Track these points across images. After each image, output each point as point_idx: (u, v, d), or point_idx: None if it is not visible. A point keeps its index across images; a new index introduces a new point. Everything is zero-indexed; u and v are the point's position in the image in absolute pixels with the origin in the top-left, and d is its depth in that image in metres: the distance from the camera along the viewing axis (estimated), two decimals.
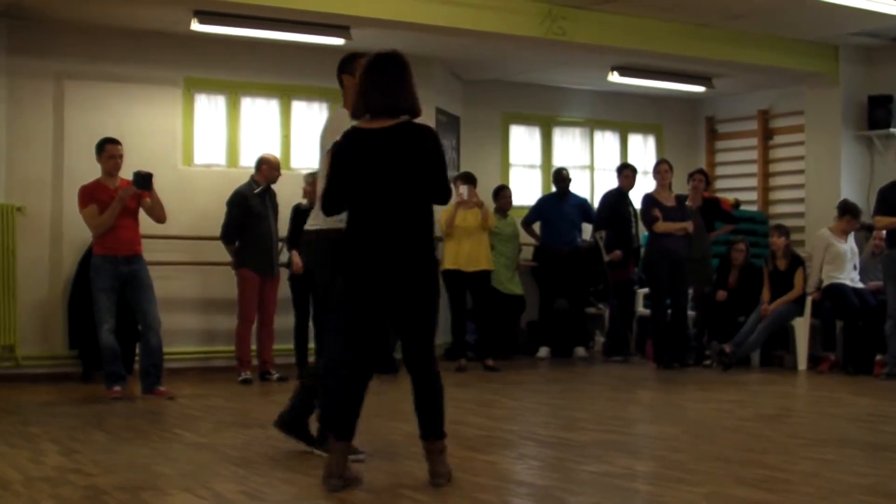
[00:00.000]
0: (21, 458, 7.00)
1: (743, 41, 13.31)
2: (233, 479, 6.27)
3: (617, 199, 14.04)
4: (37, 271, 11.66)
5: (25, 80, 11.69)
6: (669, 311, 13.04)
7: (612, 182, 14.86)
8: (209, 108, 12.66)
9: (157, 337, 10.17)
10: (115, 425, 8.39)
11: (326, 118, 7.05)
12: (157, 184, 10.19)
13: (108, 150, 10.31)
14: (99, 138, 10.50)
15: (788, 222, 14.19)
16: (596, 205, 14.76)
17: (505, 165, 15.37)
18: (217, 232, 11.39)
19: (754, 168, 16.14)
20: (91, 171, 10.53)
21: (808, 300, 12.94)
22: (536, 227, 14.53)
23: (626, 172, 14.15)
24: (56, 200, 11.72)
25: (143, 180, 10.01)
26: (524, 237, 14.37)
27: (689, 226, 12.93)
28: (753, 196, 16.03)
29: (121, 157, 10.34)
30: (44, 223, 11.72)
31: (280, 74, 12.94)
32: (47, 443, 7.59)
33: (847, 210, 12.94)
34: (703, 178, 13.90)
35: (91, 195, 10.20)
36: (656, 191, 13.17)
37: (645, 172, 14.99)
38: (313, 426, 6.97)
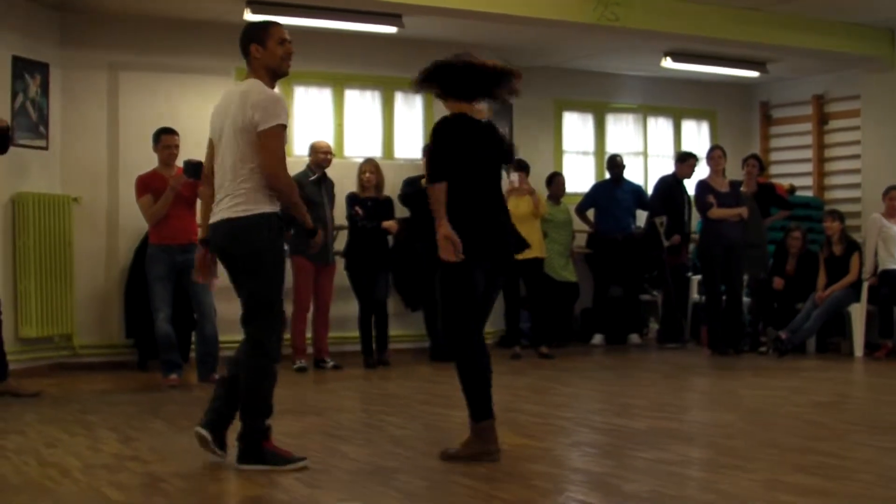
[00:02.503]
0: (80, 445, 7.07)
1: (797, 25, 13.21)
2: None
3: (672, 185, 13.97)
4: (93, 261, 11.77)
5: (79, 72, 11.79)
6: (724, 297, 12.97)
7: (667, 168, 14.85)
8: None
9: (212, 325, 10.24)
10: (172, 413, 8.45)
11: (270, 98, 6.32)
12: None
13: (164, 140, 10.42)
14: (153, 129, 10.60)
15: (844, 208, 14.09)
16: (650, 191, 14.71)
17: (558, 152, 15.33)
18: None
19: (809, 153, 16.00)
20: (146, 161, 10.62)
21: (865, 286, 12.84)
22: (590, 214, 14.49)
23: (691, 161, 14.01)
24: (112, 191, 11.83)
25: (194, 169, 10.05)
26: (578, 224, 14.33)
27: (743, 211, 12.85)
28: (809, 181, 15.91)
29: (176, 147, 10.43)
30: (100, 213, 11.82)
31: (333, 63, 12.97)
32: (105, 430, 7.66)
33: (890, 188, 12.92)
34: (757, 163, 13.80)
35: (146, 185, 10.30)
36: (710, 177, 13.10)
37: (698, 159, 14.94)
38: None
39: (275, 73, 6.46)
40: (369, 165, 11.93)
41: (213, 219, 6.29)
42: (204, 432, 6.32)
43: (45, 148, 11.45)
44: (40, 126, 11.36)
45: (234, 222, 6.13)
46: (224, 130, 6.31)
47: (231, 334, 11.64)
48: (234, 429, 6.30)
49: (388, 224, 11.82)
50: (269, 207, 6.17)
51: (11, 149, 9.54)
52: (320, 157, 11.53)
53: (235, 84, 6.59)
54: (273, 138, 6.13)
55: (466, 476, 5.92)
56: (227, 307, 11.21)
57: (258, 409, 6.16)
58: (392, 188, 12.26)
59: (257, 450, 6.12)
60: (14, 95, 10.98)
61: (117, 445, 7.05)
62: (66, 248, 11.45)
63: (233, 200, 6.15)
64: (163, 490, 5.66)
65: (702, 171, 13.93)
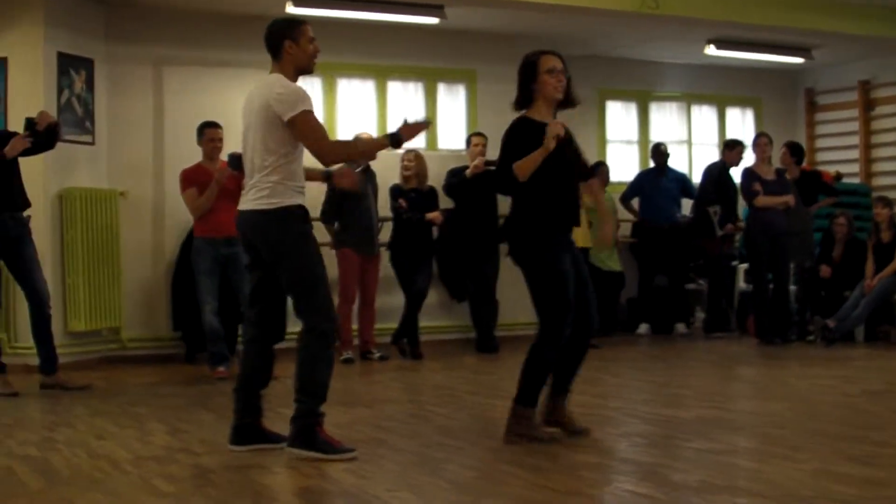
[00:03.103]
0: (129, 437, 7.12)
1: (841, 10, 13.12)
2: None
3: (721, 172, 13.86)
4: (140, 255, 11.84)
5: (125, 66, 11.86)
6: (771, 286, 12.90)
7: (712, 156, 14.78)
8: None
9: None
10: (220, 405, 8.46)
11: (292, 89, 6.38)
12: None
13: (208, 133, 10.48)
14: (197, 123, 10.65)
15: (892, 194, 13.99)
16: (695, 179, 14.65)
17: (602, 142, 15.26)
18: (317, 212, 11.43)
19: (855, 140, 15.89)
20: (190, 154, 10.68)
21: None
22: (635, 202, 14.45)
23: (739, 149, 13.87)
24: (157, 184, 11.89)
25: (238, 161, 10.09)
26: (623, 213, 14.28)
27: (790, 199, 12.76)
28: (855, 168, 15.79)
29: (220, 140, 10.48)
30: (146, 207, 11.89)
31: (375, 55, 12.98)
32: (154, 422, 7.71)
33: None
34: (787, 150, 13.59)
35: (191, 178, 10.37)
36: (756, 164, 13.02)
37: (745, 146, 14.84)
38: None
39: (302, 70, 6.59)
40: (410, 155, 11.93)
41: (241, 206, 6.52)
42: (235, 448, 6.53)
43: (92, 143, 11.52)
44: (86, 121, 11.44)
45: (260, 215, 6.36)
46: (250, 126, 6.47)
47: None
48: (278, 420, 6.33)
49: (433, 215, 11.83)
50: (293, 200, 6.35)
51: (58, 144, 9.59)
52: None
53: (259, 80, 6.63)
54: (303, 123, 6.29)
55: (515, 466, 5.93)
56: None
57: (313, 392, 6.30)
58: (436, 179, 12.26)
59: (309, 435, 6.24)
60: (60, 91, 11.06)
61: (166, 437, 7.10)
62: (113, 242, 11.53)
63: (259, 193, 6.37)
64: (212, 481, 5.70)
65: (747, 158, 13.84)
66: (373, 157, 6.64)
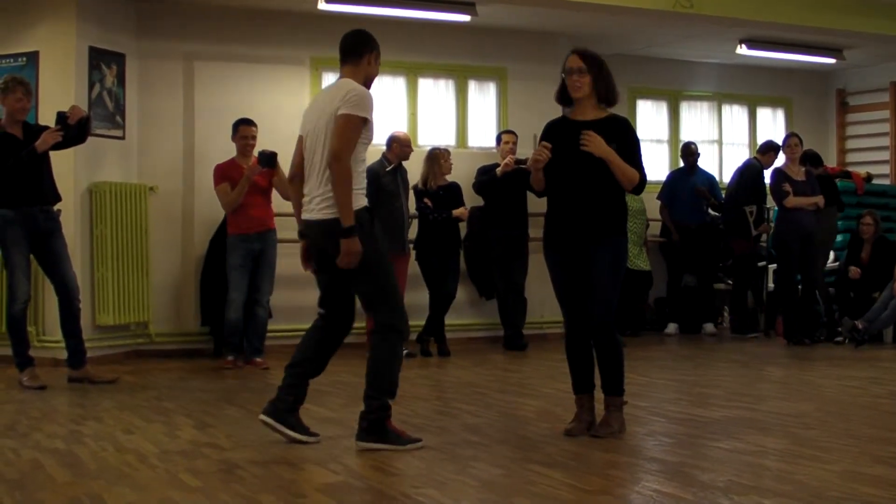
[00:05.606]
0: (156, 431, 7.14)
1: (873, 11, 13.06)
2: (363, 453, 6.30)
3: (759, 172, 13.80)
4: (169, 250, 11.88)
5: (155, 62, 11.89)
6: (800, 286, 12.85)
7: (742, 156, 14.74)
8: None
9: (264, 311, 10.77)
10: (247, 400, 8.50)
11: (364, 92, 6.60)
12: (286, 162, 10.30)
13: (241, 131, 10.68)
14: (228, 118, 10.79)
15: None
16: (725, 179, 14.59)
17: None
18: None
19: (887, 141, 15.81)
20: (221, 150, 10.75)
21: None
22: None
23: (774, 152, 13.79)
24: (187, 180, 11.93)
25: (268, 159, 10.29)
26: (652, 213, 14.22)
27: (819, 200, 12.71)
28: (886, 169, 15.72)
29: (253, 137, 10.67)
30: (175, 202, 11.92)
31: (406, 52, 12.96)
32: (181, 417, 7.73)
33: None
34: (799, 141, 13.41)
35: (224, 174, 10.56)
36: (786, 165, 12.96)
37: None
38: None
39: (369, 84, 6.79)
40: (447, 154, 11.92)
41: (307, 216, 6.58)
42: (264, 417, 6.62)
43: (122, 137, 11.56)
44: (117, 116, 11.48)
45: (328, 224, 6.40)
46: (315, 127, 6.56)
47: (307, 322, 11.80)
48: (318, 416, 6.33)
49: (459, 212, 11.82)
50: (358, 203, 6.41)
51: (89, 138, 9.64)
52: (405, 150, 11.50)
53: (329, 86, 6.87)
54: (349, 124, 6.41)
55: (543, 464, 5.91)
56: (303, 296, 11.35)
57: (386, 388, 6.48)
58: (466, 177, 12.26)
59: (381, 428, 6.40)
60: (91, 86, 11.10)
61: (193, 432, 7.12)
62: (142, 236, 11.56)
63: (323, 202, 6.44)
64: (239, 476, 5.70)
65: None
66: (343, 209, 6.33)
